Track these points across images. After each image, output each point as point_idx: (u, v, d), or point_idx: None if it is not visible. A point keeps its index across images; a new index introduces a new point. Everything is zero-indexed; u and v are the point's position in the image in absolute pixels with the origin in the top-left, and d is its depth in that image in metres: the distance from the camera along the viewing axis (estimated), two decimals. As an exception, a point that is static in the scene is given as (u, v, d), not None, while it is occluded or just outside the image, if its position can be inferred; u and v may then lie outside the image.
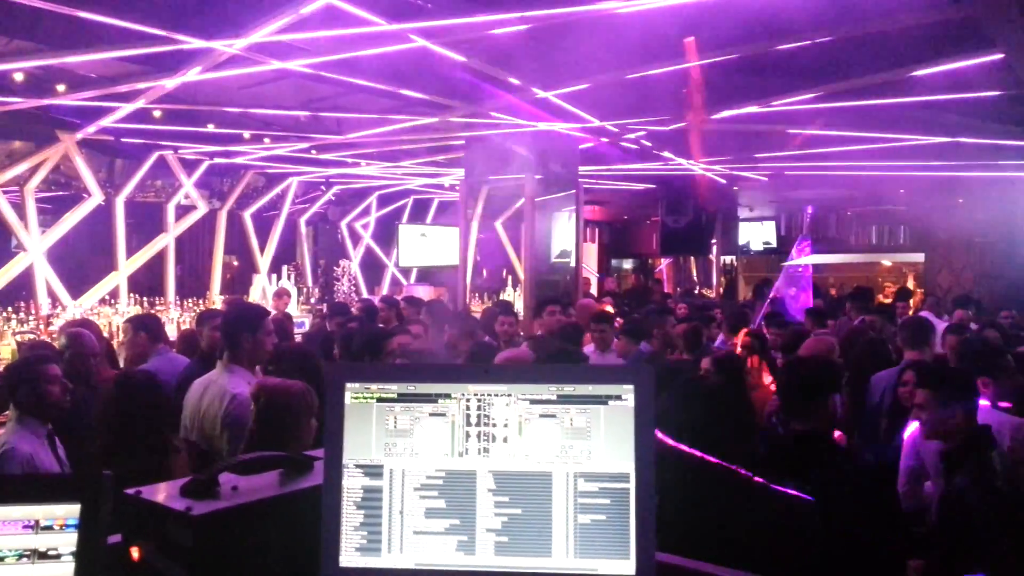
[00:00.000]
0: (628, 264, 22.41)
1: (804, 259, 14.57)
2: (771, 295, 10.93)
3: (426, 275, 16.34)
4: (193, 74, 6.85)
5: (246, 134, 9.96)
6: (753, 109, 7.90)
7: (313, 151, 11.04)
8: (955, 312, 8.64)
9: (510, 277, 15.14)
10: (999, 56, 5.69)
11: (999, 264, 13.95)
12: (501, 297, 13.31)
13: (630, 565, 1.28)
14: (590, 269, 18.10)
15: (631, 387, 1.33)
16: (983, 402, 3.67)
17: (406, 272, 16.56)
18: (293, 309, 10.98)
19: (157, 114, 8.77)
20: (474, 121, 8.89)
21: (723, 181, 13.05)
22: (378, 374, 1.37)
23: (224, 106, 8.68)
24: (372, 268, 16.79)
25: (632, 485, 1.30)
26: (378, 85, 7.40)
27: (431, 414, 1.34)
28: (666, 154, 10.82)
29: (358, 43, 6.23)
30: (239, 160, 11.82)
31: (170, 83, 7.17)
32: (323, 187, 14.56)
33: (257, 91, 8.18)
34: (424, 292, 13.70)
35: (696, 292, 17.25)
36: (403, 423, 1.34)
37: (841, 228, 16.67)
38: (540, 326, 6.64)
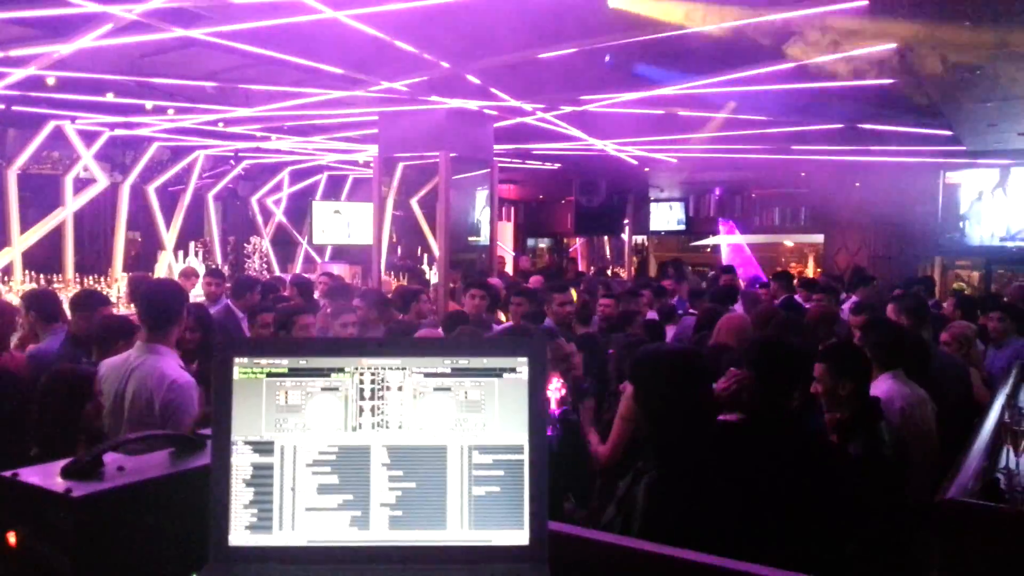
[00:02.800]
0: (544, 243, 22.59)
1: (734, 238, 15.10)
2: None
3: (341, 253, 16.08)
4: (90, 40, 6.52)
5: (148, 105, 9.56)
6: (664, 91, 8.04)
7: (220, 124, 10.69)
8: (858, 290, 8.98)
9: (426, 256, 15.05)
10: (892, 46, 5.94)
11: (892, 245, 14.68)
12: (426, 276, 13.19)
13: (523, 535, 1.30)
14: (505, 248, 18.18)
15: (525, 360, 1.34)
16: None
17: (320, 250, 16.26)
18: (200, 289, 10.64)
19: (51, 81, 8.31)
20: (387, 96, 8.75)
21: (634, 162, 13.26)
22: (268, 348, 1.34)
23: (124, 75, 8.30)
24: (284, 245, 16.42)
25: (526, 456, 1.32)
26: (286, 56, 7.21)
27: (323, 388, 1.32)
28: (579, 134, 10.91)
29: (265, 12, 6.05)
30: (142, 132, 11.35)
31: (65, 49, 6.80)
32: (232, 161, 14.12)
33: (160, 59, 7.86)
34: (339, 270, 13.50)
35: (609, 271, 17.51)
36: (294, 398, 1.32)
37: (746, 210, 17.20)
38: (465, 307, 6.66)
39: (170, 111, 9.87)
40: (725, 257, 14.51)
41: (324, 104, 9.30)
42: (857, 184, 14.21)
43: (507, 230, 19.21)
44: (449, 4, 5.72)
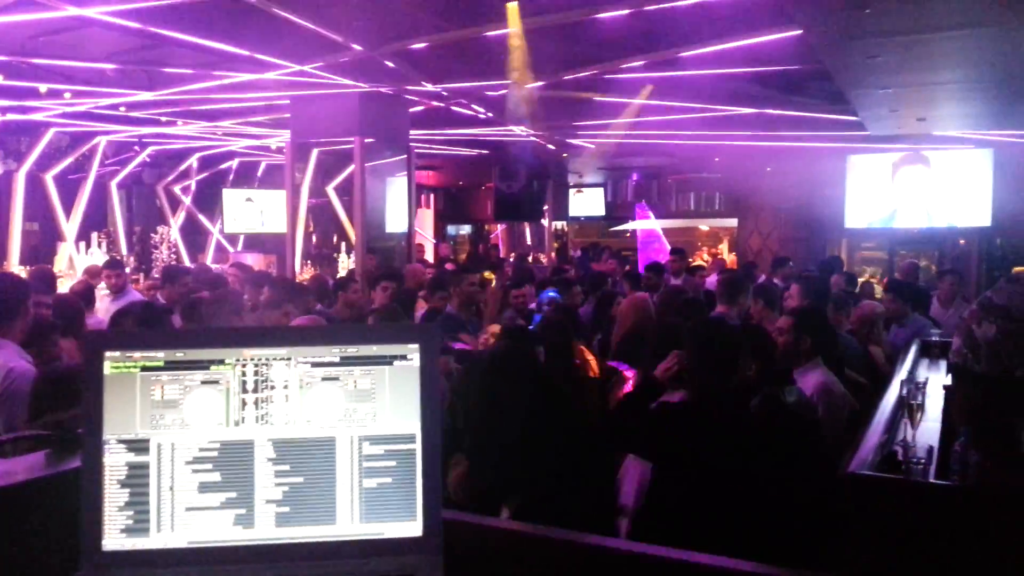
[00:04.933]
0: (465, 230, 22.51)
1: (649, 222, 15.33)
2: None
3: (254, 242, 15.67)
4: (-28, 17, 6.14)
5: (43, 88, 9.05)
6: (577, 75, 8.07)
7: (122, 108, 10.23)
8: (777, 273, 9.18)
9: (343, 244, 14.80)
10: (798, 32, 6.09)
11: (801, 228, 15.16)
12: (349, 266, 12.93)
13: (417, 526, 1.27)
14: (425, 235, 18.03)
15: (416, 346, 1.30)
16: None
17: (232, 239, 15.80)
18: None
19: (-67, 63, 7.81)
20: (298, 80, 8.53)
21: (553, 148, 13.30)
22: (141, 341, 1.26)
23: (14, 56, 7.84)
24: (194, 235, 15.89)
25: (418, 445, 1.28)
26: (190, 37, 6.93)
27: (203, 382, 1.25)
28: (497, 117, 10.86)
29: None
30: (37, 117, 10.78)
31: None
32: (136, 147, 13.56)
33: (54, 40, 7.45)
34: (253, 260, 13.15)
35: (530, 257, 17.58)
36: (171, 393, 1.24)
37: (662, 195, 17.48)
38: (375, 299, 6.53)
39: (67, 95, 9.39)
40: (640, 242, 14.77)
41: (233, 88, 8.99)
42: (768, 169, 14.60)
43: (427, 217, 19.06)
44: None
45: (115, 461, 1.24)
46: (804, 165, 13.75)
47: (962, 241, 13.91)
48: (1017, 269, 12.22)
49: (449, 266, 10.44)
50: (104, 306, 6.90)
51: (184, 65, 8.19)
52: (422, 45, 7.30)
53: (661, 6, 5.84)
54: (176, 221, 15.25)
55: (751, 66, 7.66)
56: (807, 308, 4.75)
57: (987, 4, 5.04)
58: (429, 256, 16.04)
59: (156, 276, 10.13)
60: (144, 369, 1.24)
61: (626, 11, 5.83)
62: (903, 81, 7.44)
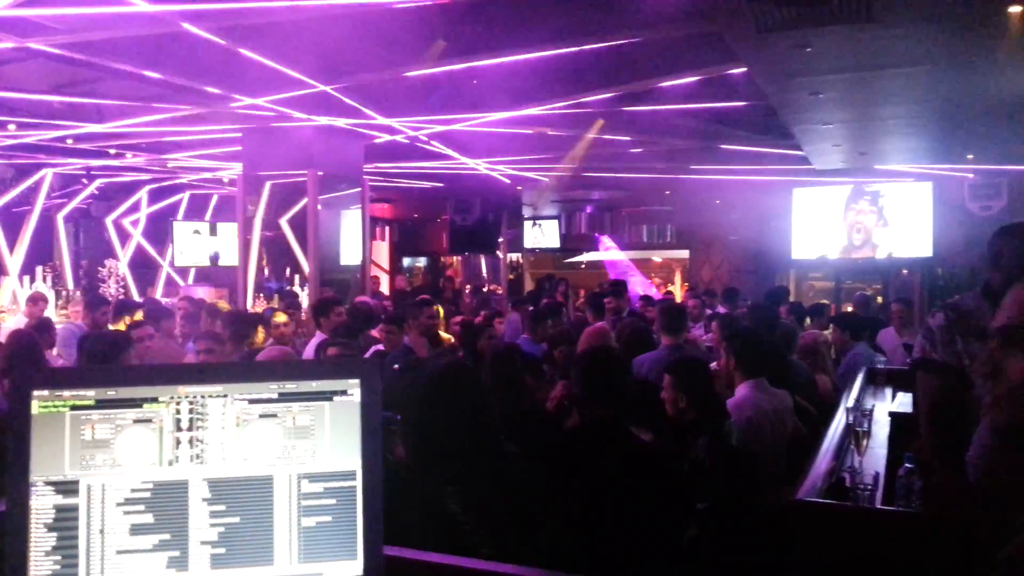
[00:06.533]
0: (421, 262, 22.46)
1: (615, 253, 15.49)
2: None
3: (206, 275, 15.43)
4: (-90, 48, 6.00)
5: (-15, 120, 8.88)
6: (531, 111, 8.16)
7: (69, 140, 10.05)
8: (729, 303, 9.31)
9: (297, 277, 14.65)
10: (743, 69, 6.25)
11: (750, 259, 15.44)
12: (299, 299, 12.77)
13: (357, 565, 1.25)
14: (381, 267, 17.95)
15: (357, 381, 1.29)
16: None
17: (183, 272, 15.54)
18: (51, 314, 9.91)
19: None
20: (251, 113, 8.47)
21: (507, 181, 13.39)
22: (71, 379, 1.23)
23: (-44, 88, 7.68)
24: (144, 268, 15.59)
25: (359, 483, 1.27)
26: (141, 70, 6.85)
27: (135, 421, 1.23)
28: (451, 152, 10.92)
29: (114, 23, 5.72)
30: (-21, 149, 10.55)
31: None
32: (84, 180, 13.30)
33: (-4, 71, 7.32)
34: (204, 293, 12.94)
35: (485, 289, 17.60)
36: (102, 433, 1.21)
37: (616, 227, 17.68)
38: (326, 326, 6.46)
39: (11, 127, 9.20)
40: (613, 273, 14.98)
41: (184, 120, 8.90)
42: (717, 202, 14.86)
43: (382, 249, 18.98)
44: (312, 20, 5.60)
45: (42, 504, 1.20)
46: (753, 198, 14.01)
47: (905, 271, 14.27)
48: (958, 297, 12.56)
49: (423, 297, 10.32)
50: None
51: (133, 97, 8.09)
52: (375, 79, 7.33)
53: (611, 44, 5.95)
54: (125, 254, 14.95)
55: (699, 102, 7.82)
56: (734, 329, 4.80)
57: (926, 43, 5.25)
58: (385, 289, 15.95)
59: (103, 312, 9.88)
60: (74, 408, 1.21)
61: (576, 48, 5.93)
62: (845, 117, 7.69)
